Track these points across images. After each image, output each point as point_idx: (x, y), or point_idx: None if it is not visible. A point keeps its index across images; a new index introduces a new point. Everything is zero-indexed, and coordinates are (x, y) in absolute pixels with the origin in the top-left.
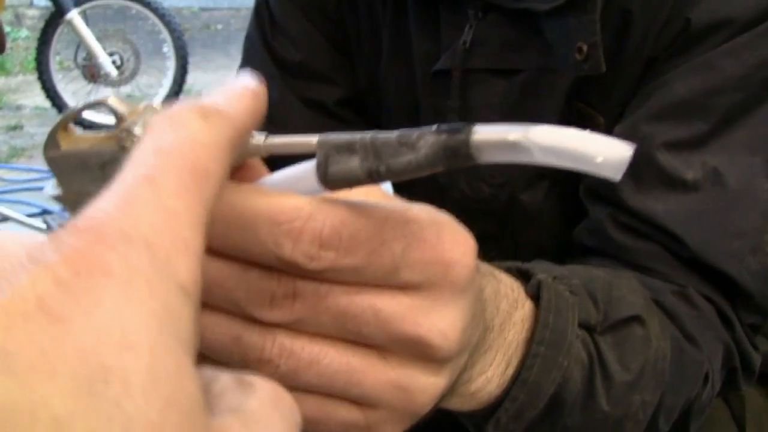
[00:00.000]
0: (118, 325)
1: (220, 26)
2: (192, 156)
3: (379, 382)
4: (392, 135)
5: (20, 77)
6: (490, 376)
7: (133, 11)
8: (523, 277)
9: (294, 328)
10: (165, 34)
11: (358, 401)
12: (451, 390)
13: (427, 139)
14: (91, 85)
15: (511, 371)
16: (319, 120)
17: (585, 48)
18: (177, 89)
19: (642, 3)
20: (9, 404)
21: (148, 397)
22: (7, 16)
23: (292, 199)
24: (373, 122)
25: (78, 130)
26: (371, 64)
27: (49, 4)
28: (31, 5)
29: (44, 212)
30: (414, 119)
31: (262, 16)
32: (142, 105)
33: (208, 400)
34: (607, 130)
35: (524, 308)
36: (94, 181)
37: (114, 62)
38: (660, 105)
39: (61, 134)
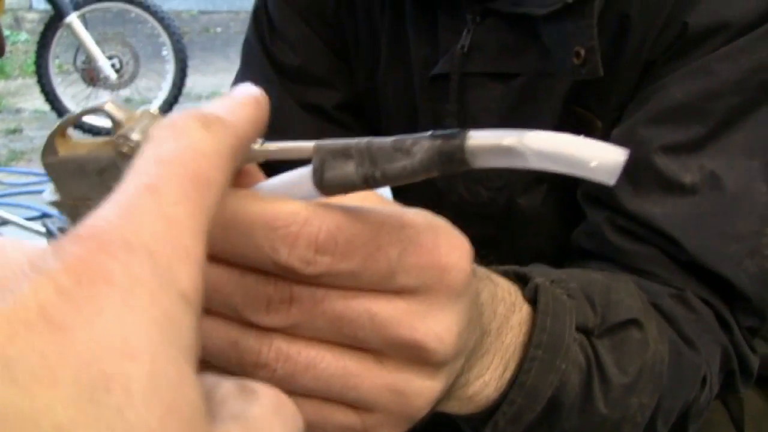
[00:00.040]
0: (120, 333)
1: (219, 29)
2: (193, 165)
3: (375, 386)
4: (387, 141)
5: (19, 80)
6: (488, 380)
7: (133, 15)
8: (521, 280)
9: (291, 332)
10: (164, 38)
11: (355, 405)
12: (448, 393)
13: (422, 144)
14: (90, 89)
15: (508, 375)
16: (318, 124)
17: (582, 52)
18: (176, 92)
19: (640, 7)
20: (11, 412)
21: (149, 405)
22: (7, 19)
23: (289, 205)
24: (372, 126)
25: (76, 135)
26: (370, 69)
27: (49, 7)
28: (30, 9)
29: (43, 216)
30: (412, 123)
31: (260, 21)
32: (139, 111)
33: (210, 407)
34: (605, 134)
35: (521, 312)
36: (92, 186)
37: (113, 65)
38: (658, 109)
39: (59, 140)
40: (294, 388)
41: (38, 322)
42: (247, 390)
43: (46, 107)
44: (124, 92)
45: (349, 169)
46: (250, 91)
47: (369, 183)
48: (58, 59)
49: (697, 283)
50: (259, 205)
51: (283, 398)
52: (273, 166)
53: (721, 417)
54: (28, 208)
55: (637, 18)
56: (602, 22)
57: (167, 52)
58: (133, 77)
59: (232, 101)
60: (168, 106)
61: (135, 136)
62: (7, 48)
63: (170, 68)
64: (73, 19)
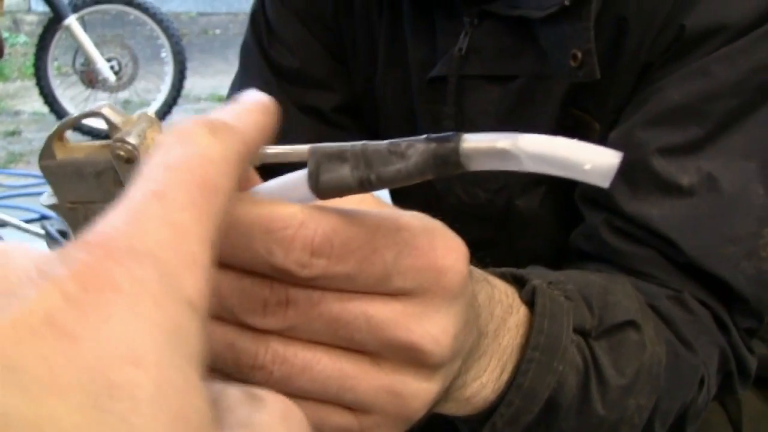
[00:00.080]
0: (126, 340)
1: (218, 31)
2: (201, 171)
3: (372, 388)
4: (382, 144)
5: (18, 83)
6: (485, 382)
7: (131, 17)
8: (518, 282)
9: (287, 334)
10: (163, 40)
11: (352, 407)
12: (445, 395)
13: (417, 147)
14: (89, 91)
15: (506, 376)
16: (316, 126)
17: (579, 55)
18: (175, 94)
19: (637, 10)
20: (17, 419)
21: (155, 412)
22: (5, 21)
23: (285, 208)
24: (370, 128)
25: (75, 138)
26: (367, 71)
27: (48, 9)
28: (29, 11)
29: (42, 218)
30: (410, 125)
31: (258, 24)
32: (136, 114)
33: (218, 414)
34: (603, 136)
35: (519, 314)
36: (90, 189)
37: (112, 68)
38: (655, 111)
39: (57, 144)
40: (291, 390)
41: (44, 329)
42: (254, 397)
43: (45, 109)
44: (123, 94)
45: (345, 172)
46: (258, 97)
47: (364, 186)
48: (56, 61)
49: (695, 284)
50: (255, 208)
51: (291, 405)
52: (269, 169)
53: (719, 418)
54: (26, 210)
55: (634, 20)
56: (599, 25)
57: (166, 54)
58: (131, 79)
59: (239, 107)
60: (167, 108)
61: (132, 139)
62: (6, 50)
63: (169, 70)
64: (71, 21)
